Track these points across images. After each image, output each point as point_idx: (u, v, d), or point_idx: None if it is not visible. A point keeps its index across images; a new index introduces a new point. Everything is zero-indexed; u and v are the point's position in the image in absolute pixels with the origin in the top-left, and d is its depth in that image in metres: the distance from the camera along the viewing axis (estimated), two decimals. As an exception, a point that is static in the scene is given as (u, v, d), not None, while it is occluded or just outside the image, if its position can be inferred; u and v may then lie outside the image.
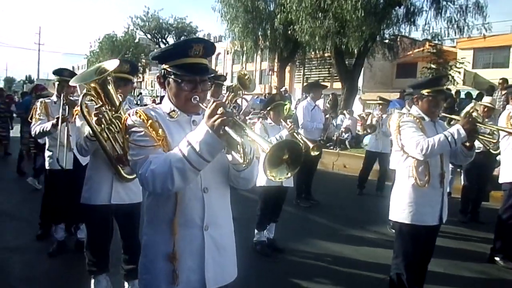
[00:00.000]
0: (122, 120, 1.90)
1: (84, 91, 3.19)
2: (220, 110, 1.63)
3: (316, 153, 5.39)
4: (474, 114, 3.75)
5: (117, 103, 3.02)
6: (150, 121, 1.80)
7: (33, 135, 4.52)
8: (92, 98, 3.07)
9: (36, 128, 4.38)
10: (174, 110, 1.89)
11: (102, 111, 2.95)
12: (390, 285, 3.51)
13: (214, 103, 1.65)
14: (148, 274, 1.91)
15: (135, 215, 3.44)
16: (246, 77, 4.83)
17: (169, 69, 1.86)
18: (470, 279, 4.39)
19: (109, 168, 3.22)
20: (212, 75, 2.01)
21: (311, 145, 5.10)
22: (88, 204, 3.29)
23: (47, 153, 4.62)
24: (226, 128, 1.61)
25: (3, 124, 10.78)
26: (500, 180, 4.86)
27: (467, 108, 3.88)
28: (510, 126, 4.49)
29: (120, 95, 3.14)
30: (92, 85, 2.96)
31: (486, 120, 5.57)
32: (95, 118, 2.94)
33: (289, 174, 1.57)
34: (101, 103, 2.99)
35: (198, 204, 1.85)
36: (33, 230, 5.26)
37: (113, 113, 2.99)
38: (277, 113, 4.88)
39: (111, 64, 3.00)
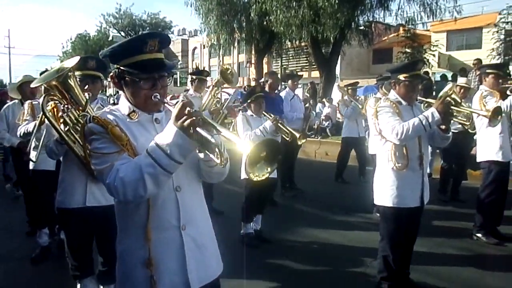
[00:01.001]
0: (80, 128, 1.81)
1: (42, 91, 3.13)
2: (187, 110, 1.55)
3: (303, 141, 5.43)
4: (453, 96, 3.81)
5: (83, 102, 2.92)
6: (109, 126, 1.67)
7: (19, 136, 4.44)
8: (56, 98, 2.97)
9: (21, 129, 4.31)
10: (134, 111, 1.77)
11: (67, 111, 2.86)
12: (378, 267, 3.58)
13: (181, 103, 1.57)
14: (128, 282, 1.86)
15: (112, 217, 3.35)
16: (229, 71, 4.82)
17: (123, 68, 1.73)
18: (454, 256, 4.50)
19: (82, 170, 3.08)
20: (171, 68, 1.89)
21: (297, 135, 5.14)
22: (63, 207, 3.18)
23: (32, 153, 4.53)
24: (198, 128, 1.54)
25: None
26: (478, 159, 4.99)
27: (445, 89, 3.95)
28: (483, 106, 4.60)
29: (88, 93, 3.04)
30: (53, 83, 2.83)
31: (463, 100, 5.69)
32: (61, 120, 2.87)
33: (269, 170, 1.55)
34: (65, 102, 2.89)
35: (172, 205, 1.78)
36: (14, 239, 5.21)
37: (80, 112, 2.89)
38: (258, 105, 4.88)
39: (71, 61, 2.89)
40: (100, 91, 3.47)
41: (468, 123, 3.62)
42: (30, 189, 4.96)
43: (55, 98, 2.97)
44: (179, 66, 45.17)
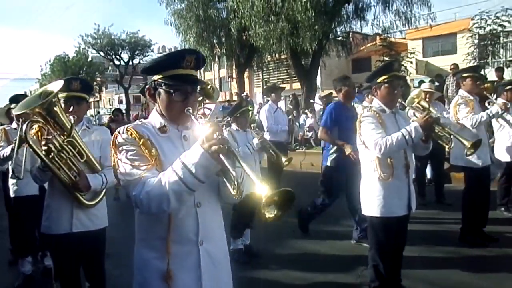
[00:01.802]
0: (112, 138, 1.84)
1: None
2: (216, 135, 1.62)
3: (286, 163, 5.46)
4: (422, 102, 3.89)
5: (68, 126, 2.84)
6: (142, 140, 1.77)
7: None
8: (40, 124, 2.86)
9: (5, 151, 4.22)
10: (165, 125, 1.86)
11: (51, 138, 2.77)
12: (369, 277, 3.56)
13: (212, 127, 1.65)
14: None
15: (101, 241, 3.29)
16: (209, 86, 4.79)
17: (160, 80, 1.83)
18: (444, 259, 4.52)
19: (67, 196, 3.00)
20: (202, 85, 2.01)
21: (284, 159, 5.21)
22: (49, 233, 3.10)
23: (11, 181, 4.41)
24: (221, 156, 1.61)
25: None
26: (452, 161, 5.07)
27: (412, 95, 4.04)
28: (455, 114, 4.70)
29: (73, 116, 2.98)
30: (37, 110, 2.74)
31: (430, 104, 5.78)
32: (44, 148, 2.75)
33: (277, 214, 1.58)
34: (49, 129, 2.81)
35: (192, 220, 1.83)
36: None
37: (65, 137, 2.83)
38: (244, 120, 4.88)
39: (55, 86, 2.80)
40: (85, 113, 3.38)
41: (447, 146, 3.63)
42: (13, 217, 4.82)
43: (38, 123, 2.87)
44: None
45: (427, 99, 5.79)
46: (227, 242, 2.08)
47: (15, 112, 3.01)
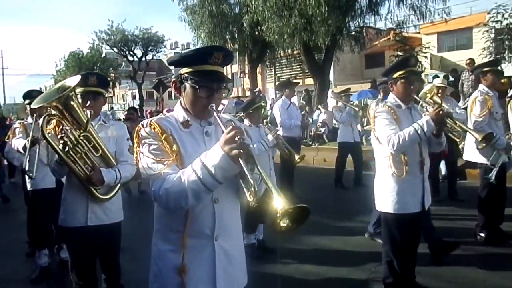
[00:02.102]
0: (135, 130, 1.87)
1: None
2: (237, 139, 1.62)
3: (299, 161, 5.45)
4: (435, 98, 3.83)
5: (85, 121, 2.89)
6: (164, 135, 1.79)
7: (9, 157, 4.44)
8: (57, 118, 2.93)
9: (13, 142, 4.35)
10: (187, 120, 1.88)
11: (67, 132, 2.83)
12: (383, 273, 3.55)
13: (234, 130, 1.65)
14: (157, 283, 1.91)
15: (116, 235, 3.35)
16: None
17: (186, 74, 1.83)
18: (459, 257, 4.46)
19: (83, 189, 3.06)
20: (228, 83, 1.97)
21: (297, 157, 5.21)
22: (64, 226, 3.17)
23: (27, 176, 4.50)
24: (241, 161, 1.61)
25: None
26: (465, 157, 5.00)
27: (424, 90, 3.99)
28: (472, 110, 4.63)
29: (90, 111, 3.01)
30: (54, 104, 2.81)
31: (443, 100, 5.70)
32: (61, 141, 2.82)
33: (290, 226, 1.59)
34: (66, 123, 2.87)
35: (209, 215, 1.84)
36: (13, 261, 5.15)
37: (81, 132, 2.87)
38: (257, 115, 4.91)
39: (72, 80, 2.86)
40: (102, 107, 3.38)
41: (458, 139, 3.59)
42: (30, 210, 4.92)
43: (56, 117, 2.94)
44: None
45: (439, 94, 5.73)
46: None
47: (33, 106, 3.04)
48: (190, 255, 1.82)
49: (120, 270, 3.49)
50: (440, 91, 6.03)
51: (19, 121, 4.71)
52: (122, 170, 3.12)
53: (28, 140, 4.11)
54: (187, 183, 1.66)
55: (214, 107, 1.83)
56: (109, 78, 39.25)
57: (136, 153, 1.87)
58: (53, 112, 2.92)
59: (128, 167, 3.19)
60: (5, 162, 8.67)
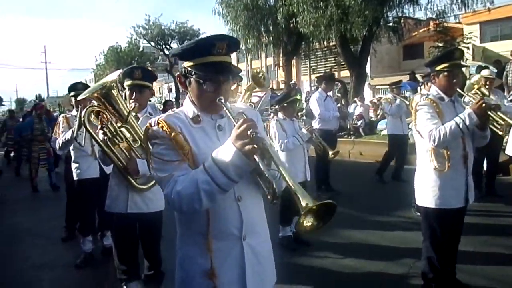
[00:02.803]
0: (144, 130, 1.79)
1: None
2: (249, 133, 1.51)
3: (332, 157, 5.41)
4: (482, 89, 3.68)
5: (126, 113, 3.04)
6: (173, 133, 1.67)
7: (57, 148, 4.63)
8: (100, 110, 3.13)
9: (59, 140, 4.50)
10: (198, 115, 1.76)
11: (107, 123, 3.01)
12: (423, 269, 3.48)
13: (245, 124, 1.54)
14: None
15: (155, 224, 3.48)
16: (260, 75, 4.81)
17: (190, 68, 1.72)
18: (501, 254, 4.33)
19: (124, 178, 3.25)
20: (236, 74, 1.85)
21: (330, 152, 5.17)
22: (109, 211, 3.38)
23: (74, 165, 4.71)
24: (256, 157, 1.51)
25: (25, 144, 9.62)
26: (507, 151, 4.80)
27: (472, 81, 3.84)
28: None
29: (135, 103, 3.21)
30: (96, 95, 3.02)
31: (490, 92, 5.48)
32: (100, 132, 3.03)
33: (314, 224, 1.50)
34: (108, 115, 3.05)
35: (234, 215, 1.74)
36: (57, 247, 5.43)
37: (122, 123, 3.04)
38: (292, 109, 4.92)
39: (113, 75, 3.06)
40: (149, 100, 3.55)
41: (501, 133, 3.46)
42: (74, 198, 5.15)
43: (99, 109, 3.13)
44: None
45: (487, 86, 5.52)
46: (275, 230, 2.05)
47: (78, 98, 3.33)
48: (218, 258, 1.73)
49: (160, 257, 3.62)
50: (488, 82, 5.82)
51: (62, 114, 4.90)
52: None
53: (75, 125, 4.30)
54: (199, 184, 1.55)
55: (222, 100, 1.70)
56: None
57: (147, 154, 1.78)
58: (95, 104, 3.13)
59: None
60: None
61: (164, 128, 1.68)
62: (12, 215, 7.45)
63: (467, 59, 20.04)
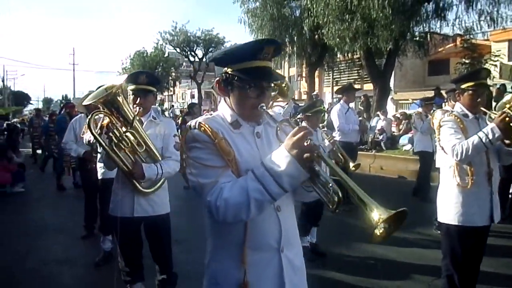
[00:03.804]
0: (183, 133, 1.68)
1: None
2: (308, 142, 1.44)
3: (353, 169, 5.39)
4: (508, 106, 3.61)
5: (131, 118, 3.08)
6: (217, 138, 1.58)
7: (86, 144, 4.77)
8: (105, 115, 3.11)
9: (85, 136, 4.63)
10: (236, 120, 1.69)
11: (112, 128, 3.00)
12: (442, 287, 3.42)
13: (303, 131, 1.45)
14: None
15: (163, 227, 3.49)
16: (284, 84, 4.78)
17: (232, 73, 1.64)
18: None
19: (129, 182, 3.24)
20: (277, 79, 1.77)
21: (351, 164, 5.15)
22: (112, 215, 3.35)
23: (99, 165, 4.78)
24: (316, 167, 1.45)
25: (53, 142, 10.60)
26: None
27: (504, 100, 3.76)
28: None
29: (139, 107, 3.24)
30: (101, 101, 3.03)
31: None
32: (105, 136, 3.03)
33: (388, 231, 1.46)
34: (113, 119, 3.05)
35: (274, 225, 1.66)
36: (78, 243, 5.57)
37: (127, 128, 3.06)
38: (316, 119, 4.91)
39: (118, 80, 3.13)
40: (152, 104, 3.57)
41: None
42: (96, 197, 5.27)
43: (106, 114, 3.12)
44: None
45: None
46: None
47: (84, 102, 3.33)
48: (254, 271, 1.63)
49: (171, 260, 3.63)
50: None
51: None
52: (165, 165, 3.24)
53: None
54: (250, 192, 1.46)
55: (264, 107, 1.64)
56: (170, 77, 40.97)
57: (183, 158, 1.68)
58: (101, 109, 3.13)
59: (172, 163, 3.31)
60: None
61: (208, 132, 1.59)
62: (36, 210, 7.67)
63: (494, 77, 19.70)
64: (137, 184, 3.21)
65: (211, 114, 1.75)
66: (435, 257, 3.71)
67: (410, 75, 27.78)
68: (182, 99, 55.23)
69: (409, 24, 16.04)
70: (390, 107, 23.12)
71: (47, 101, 76.75)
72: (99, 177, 4.80)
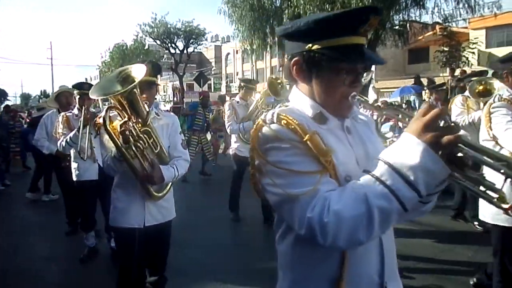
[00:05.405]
0: (253, 129, 1.27)
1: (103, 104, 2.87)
2: (443, 123, 1.03)
3: None
4: None
5: (145, 114, 2.65)
6: (307, 134, 1.16)
7: (60, 149, 4.62)
8: (117, 111, 2.66)
9: (61, 142, 4.50)
10: (320, 113, 1.28)
11: (129, 127, 2.56)
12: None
13: (436, 110, 1.02)
14: None
15: (166, 233, 3.15)
16: (278, 81, 4.55)
17: (323, 51, 1.21)
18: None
19: (137, 188, 2.81)
20: (381, 63, 1.36)
21: None
22: (116, 226, 2.96)
23: (73, 165, 4.72)
24: (460, 154, 1.02)
25: (15, 140, 11.31)
26: None
27: None
28: None
29: (146, 102, 2.74)
30: (119, 97, 2.56)
31: None
32: (121, 136, 2.53)
33: None
34: (126, 116, 2.59)
35: (376, 254, 1.27)
36: (63, 240, 5.55)
37: (140, 126, 2.64)
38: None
39: (138, 72, 2.56)
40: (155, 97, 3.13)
41: None
42: (73, 197, 5.24)
43: (118, 111, 2.67)
44: (212, 72, 45.80)
45: None
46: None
47: (92, 95, 2.70)
48: None
49: (166, 262, 3.32)
50: None
51: (62, 113, 4.73)
52: (179, 167, 2.92)
53: (79, 126, 4.32)
54: (371, 200, 1.03)
55: (356, 97, 1.25)
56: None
57: (256, 165, 1.24)
58: (113, 104, 2.65)
59: (183, 163, 3.00)
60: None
61: (292, 127, 1.18)
62: (20, 208, 7.56)
63: (472, 64, 20.07)
64: (151, 189, 2.80)
65: (285, 105, 1.33)
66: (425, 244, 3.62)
67: (391, 63, 28.09)
68: (164, 91, 54.73)
69: (388, 13, 16.18)
70: (372, 95, 23.36)
71: (25, 97, 75.14)
72: (74, 178, 4.70)
